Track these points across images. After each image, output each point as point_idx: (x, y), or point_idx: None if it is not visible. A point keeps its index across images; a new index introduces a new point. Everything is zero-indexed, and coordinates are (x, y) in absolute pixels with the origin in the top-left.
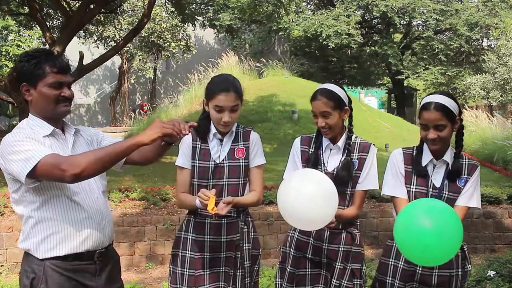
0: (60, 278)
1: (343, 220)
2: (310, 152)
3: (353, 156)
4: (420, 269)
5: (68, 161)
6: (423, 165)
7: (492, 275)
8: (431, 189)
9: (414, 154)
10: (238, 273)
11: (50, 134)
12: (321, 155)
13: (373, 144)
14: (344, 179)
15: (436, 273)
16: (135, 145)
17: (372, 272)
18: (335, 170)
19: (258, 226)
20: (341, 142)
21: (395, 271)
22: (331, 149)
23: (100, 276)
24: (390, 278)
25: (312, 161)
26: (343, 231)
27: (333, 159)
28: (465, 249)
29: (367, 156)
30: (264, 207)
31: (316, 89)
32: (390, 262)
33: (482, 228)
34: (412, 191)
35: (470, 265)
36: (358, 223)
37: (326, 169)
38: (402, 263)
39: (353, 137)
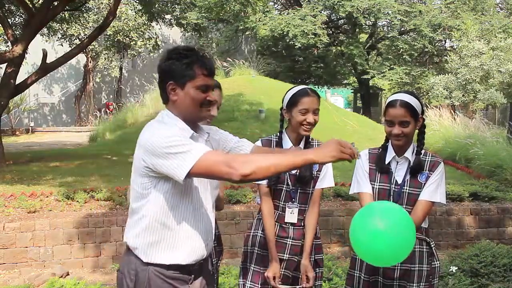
0: (161, 284)
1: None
2: None
3: None
4: None
5: (238, 159)
6: (386, 162)
7: (454, 271)
8: (393, 186)
9: (379, 152)
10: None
11: (190, 137)
12: None
13: None
14: (307, 178)
15: (398, 267)
16: (309, 161)
17: (338, 269)
18: (297, 171)
19: (226, 225)
20: (302, 144)
21: (361, 265)
22: None
23: (193, 284)
24: (357, 272)
25: None
26: (303, 226)
27: None
28: (432, 245)
29: None
30: (231, 207)
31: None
32: (357, 257)
33: (445, 225)
34: (376, 187)
35: (438, 262)
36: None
37: None
38: None
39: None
